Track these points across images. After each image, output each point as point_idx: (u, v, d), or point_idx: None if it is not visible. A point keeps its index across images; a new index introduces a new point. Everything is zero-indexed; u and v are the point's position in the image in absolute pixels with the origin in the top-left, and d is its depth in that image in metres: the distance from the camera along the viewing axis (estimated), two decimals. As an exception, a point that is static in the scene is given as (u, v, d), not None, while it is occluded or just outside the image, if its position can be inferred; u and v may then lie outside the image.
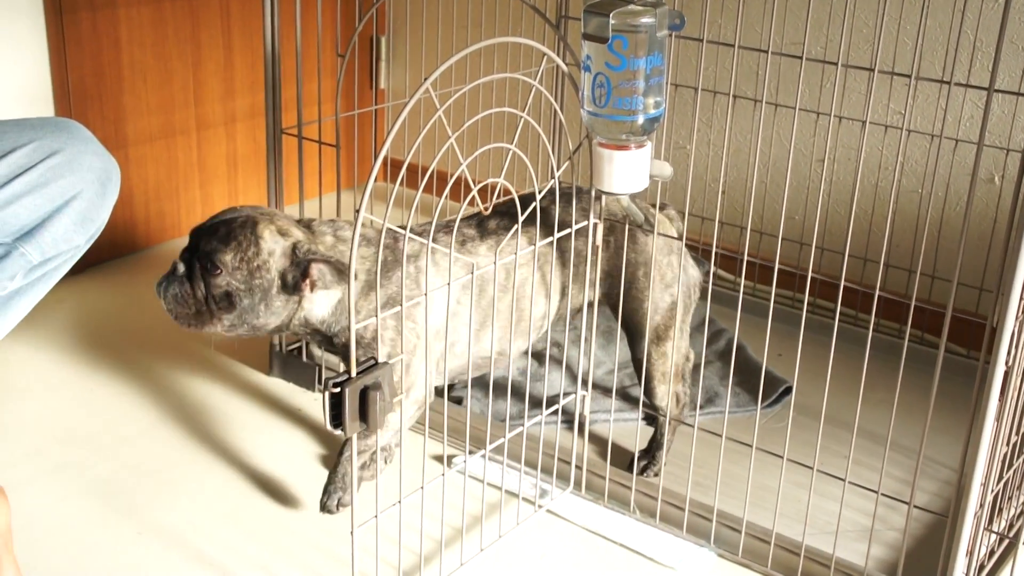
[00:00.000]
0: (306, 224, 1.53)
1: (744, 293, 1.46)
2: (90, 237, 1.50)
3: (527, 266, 1.54)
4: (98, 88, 2.32)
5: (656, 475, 1.67)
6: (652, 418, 1.72)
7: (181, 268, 1.49)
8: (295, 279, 1.46)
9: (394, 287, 1.50)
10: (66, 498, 1.62)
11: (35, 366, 1.99)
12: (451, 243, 1.34)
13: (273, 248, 1.46)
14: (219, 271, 1.45)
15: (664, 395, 1.65)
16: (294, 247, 1.46)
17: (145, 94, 2.41)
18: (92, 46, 2.28)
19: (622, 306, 1.58)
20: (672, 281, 1.60)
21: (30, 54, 2.20)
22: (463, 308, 1.52)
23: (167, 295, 1.49)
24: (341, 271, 1.45)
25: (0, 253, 1.41)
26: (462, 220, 1.58)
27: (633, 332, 1.63)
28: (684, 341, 1.66)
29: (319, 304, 1.50)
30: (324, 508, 1.57)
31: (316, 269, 1.45)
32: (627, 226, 1.56)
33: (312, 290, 1.47)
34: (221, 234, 1.46)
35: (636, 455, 1.69)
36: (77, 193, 1.45)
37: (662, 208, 1.61)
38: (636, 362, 1.64)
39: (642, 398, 1.66)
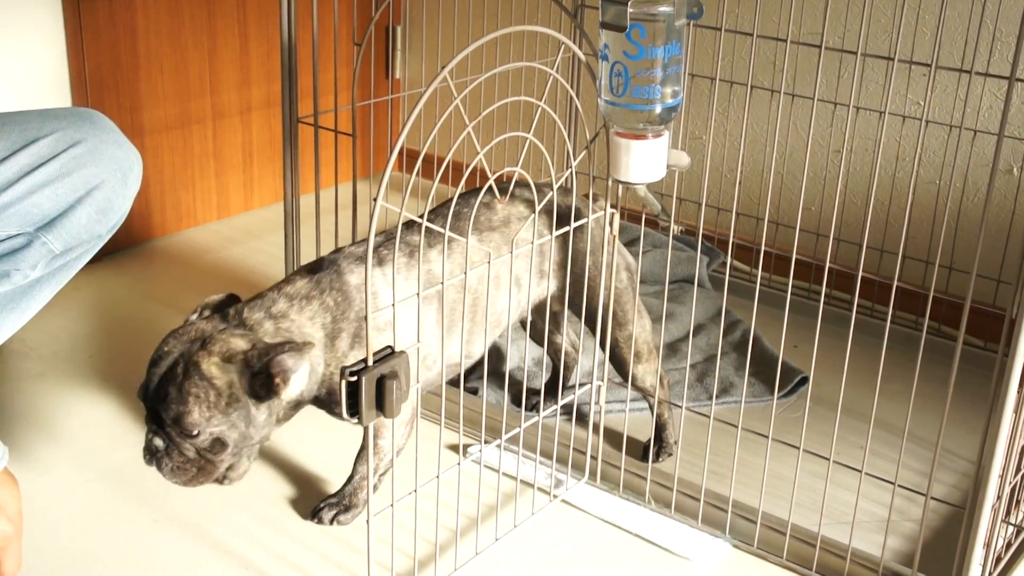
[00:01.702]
0: (237, 316, 1.43)
1: (760, 284, 1.45)
2: (111, 227, 1.50)
3: (482, 263, 1.50)
4: (115, 77, 2.32)
5: (670, 455, 1.67)
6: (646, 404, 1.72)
7: (160, 443, 1.39)
8: (265, 386, 1.38)
9: (355, 324, 1.45)
10: (82, 485, 1.63)
11: (52, 353, 2.00)
12: (459, 238, 1.33)
13: (230, 379, 1.36)
14: (196, 433, 1.37)
15: (644, 374, 1.64)
16: (245, 362, 1.37)
17: (161, 83, 2.41)
18: (109, 35, 2.29)
19: (573, 297, 1.57)
20: (617, 268, 1.59)
21: (48, 43, 2.21)
22: (429, 319, 1.48)
23: (166, 473, 1.41)
24: (298, 349, 1.38)
25: (22, 243, 1.42)
26: (404, 228, 1.53)
27: (594, 323, 1.61)
28: (646, 320, 1.65)
29: (295, 386, 1.41)
30: (315, 514, 1.56)
31: (276, 366, 1.36)
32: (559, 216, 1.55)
33: (286, 385, 1.39)
34: (173, 396, 1.35)
35: (651, 441, 1.69)
36: (99, 183, 1.46)
37: (595, 199, 1.60)
38: (610, 354, 1.63)
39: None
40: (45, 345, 2.03)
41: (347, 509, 1.56)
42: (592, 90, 1.39)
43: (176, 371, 1.37)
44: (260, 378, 1.37)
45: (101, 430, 1.77)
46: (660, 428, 1.70)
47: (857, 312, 1.40)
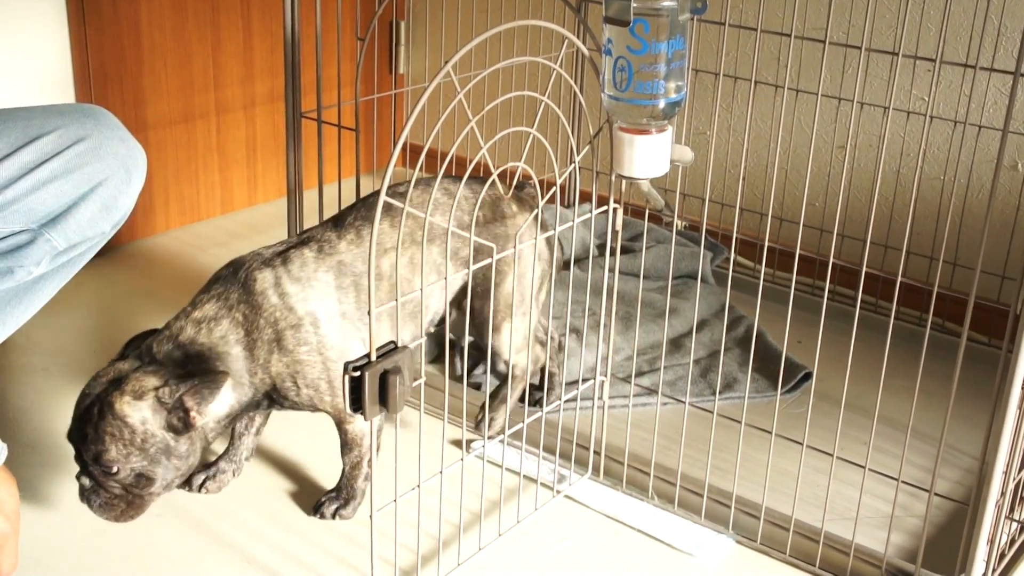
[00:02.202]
0: (148, 351, 1.45)
1: (764, 280, 1.45)
2: (115, 224, 1.50)
3: (396, 249, 1.49)
4: (118, 71, 2.32)
5: (499, 433, 1.66)
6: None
7: (87, 482, 1.42)
8: (182, 421, 1.40)
9: (268, 330, 1.45)
10: (86, 480, 1.63)
11: (56, 348, 2.00)
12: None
13: (143, 416, 1.39)
14: (115, 470, 1.39)
15: (519, 361, 1.62)
16: (157, 399, 1.39)
17: (165, 77, 2.41)
18: (113, 29, 2.29)
19: (473, 287, 1.56)
20: (538, 257, 1.57)
21: (52, 38, 2.21)
22: (349, 308, 1.49)
23: (95, 509, 1.43)
24: (212, 381, 1.40)
25: (26, 239, 1.42)
26: (311, 230, 1.55)
27: (483, 313, 1.58)
28: (535, 314, 1.63)
29: (215, 411, 1.44)
30: (317, 510, 1.57)
31: (190, 402, 1.39)
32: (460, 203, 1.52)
33: (202, 417, 1.42)
34: (91, 436, 1.39)
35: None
36: (103, 180, 1.46)
37: (520, 188, 1.59)
38: (481, 339, 1.61)
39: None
40: (48, 340, 2.03)
41: (347, 502, 1.57)
42: (596, 85, 1.39)
43: (93, 412, 1.40)
44: (176, 413, 1.40)
45: (104, 425, 1.77)
46: (499, 401, 1.68)
47: (861, 308, 1.39)
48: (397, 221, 1.52)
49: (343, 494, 1.57)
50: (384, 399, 1.18)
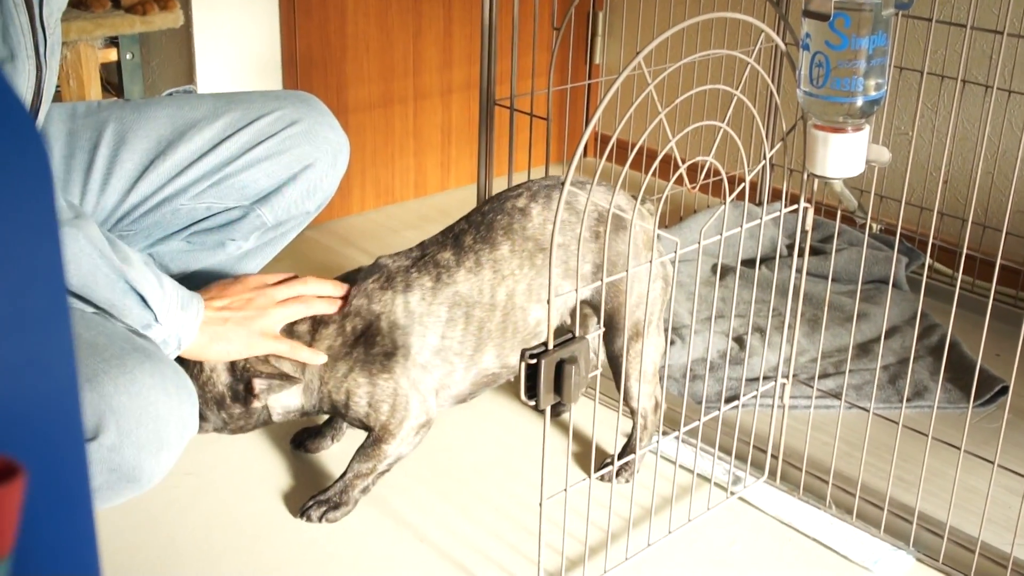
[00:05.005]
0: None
1: (961, 288, 1.39)
2: (319, 205, 1.59)
3: (513, 276, 1.46)
4: (323, 56, 2.40)
5: (627, 482, 1.57)
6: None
7: None
8: (241, 394, 1.45)
9: (362, 349, 1.45)
10: (208, 469, 1.69)
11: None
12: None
13: (215, 365, 1.44)
14: None
15: (641, 396, 1.54)
16: (232, 363, 1.44)
17: (367, 63, 2.48)
18: (320, 15, 2.37)
19: (605, 301, 1.48)
20: (654, 276, 1.48)
21: (264, 23, 2.30)
22: (450, 341, 1.46)
23: None
24: (284, 379, 1.43)
25: (238, 215, 1.53)
26: (433, 245, 1.50)
27: (612, 328, 1.51)
28: (662, 342, 1.55)
29: (285, 399, 1.47)
30: (304, 512, 1.53)
31: (257, 385, 1.44)
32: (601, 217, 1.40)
33: (259, 401, 1.45)
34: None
35: (614, 459, 1.57)
36: (312, 163, 1.55)
37: (641, 202, 1.52)
38: (613, 360, 1.53)
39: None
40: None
41: (337, 507, 1.52)
42: (792, 82, 1.36)
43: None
44: (240, 383, 1.44)
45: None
46: (629, 451, 1.60)
47: (1065, 323, 1.32)
48: (517, 246, 1.47)
49: (335, 498, 1.53)
50: (559, 388, 1.18)
